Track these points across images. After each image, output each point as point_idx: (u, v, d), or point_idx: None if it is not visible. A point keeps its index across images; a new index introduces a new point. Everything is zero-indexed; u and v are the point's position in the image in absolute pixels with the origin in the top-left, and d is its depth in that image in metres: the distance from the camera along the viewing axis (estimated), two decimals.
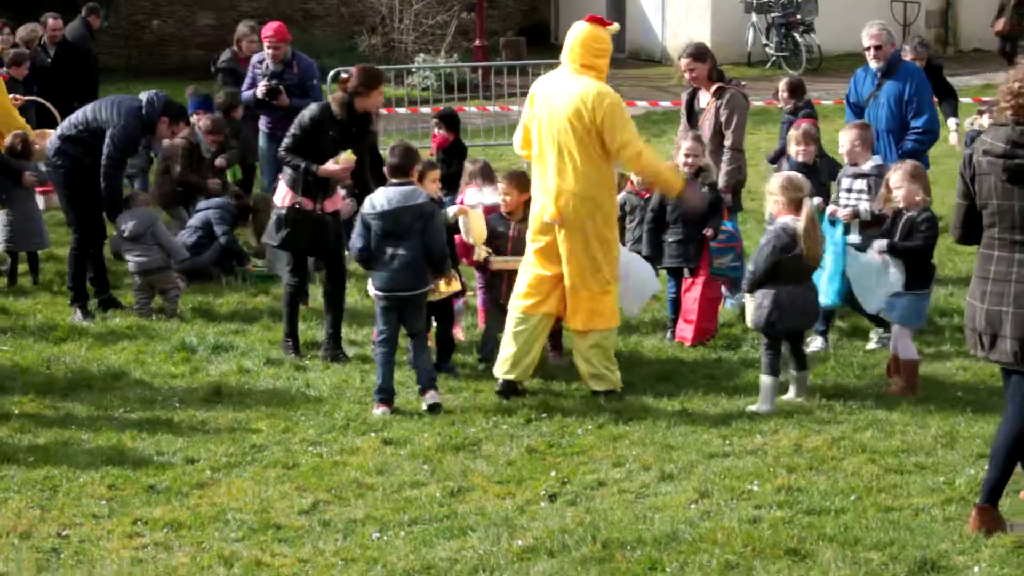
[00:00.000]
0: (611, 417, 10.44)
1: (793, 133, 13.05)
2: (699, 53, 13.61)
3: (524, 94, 24.70)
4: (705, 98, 13.72)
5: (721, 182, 13.28)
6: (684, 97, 14.07)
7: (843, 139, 12.18)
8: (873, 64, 13.65)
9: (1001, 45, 29.68)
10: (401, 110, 24.65)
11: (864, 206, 11.66)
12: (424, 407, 10.70)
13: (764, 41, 33.04)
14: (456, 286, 11.54)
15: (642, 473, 9.37)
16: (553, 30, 36.42)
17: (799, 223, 10.50)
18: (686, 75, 13.67)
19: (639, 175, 12.30)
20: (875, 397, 10.76)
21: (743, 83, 15.07)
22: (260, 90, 15.93)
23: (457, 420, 10.47)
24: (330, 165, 11.80)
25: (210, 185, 15.81)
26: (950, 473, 9.14)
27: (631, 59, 34.73)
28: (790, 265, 10.54)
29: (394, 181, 10.93)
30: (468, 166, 13.49)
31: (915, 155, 12.98)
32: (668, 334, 12.51)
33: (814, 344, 11.95)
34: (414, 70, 29.32)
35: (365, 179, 12.33)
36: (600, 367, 11.01)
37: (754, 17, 33.04)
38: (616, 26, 11.30)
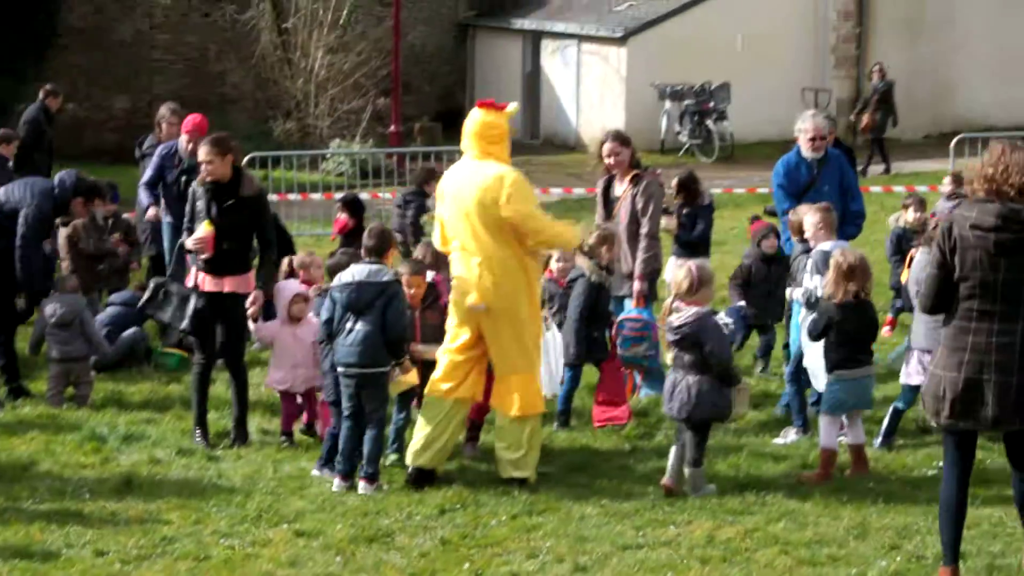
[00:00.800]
0: (525, 508, 10.40)
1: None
2: (624, 138, 13.66)
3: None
4: (621, 186, 13.77)
5: (637, 270, 13.34)
6: (600, 185, 14.08)
7: (808, 222, 12.18)
8: (814, 153, 13.38)
9: (867, 139, 30.31)
10: (315, 196, 24.60)
11: (812, 287, 11.78)
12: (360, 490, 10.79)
13: (677, 128, 33.37)
14: (413, 380, 11.30)
15: (556, 565, 9.32)
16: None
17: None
18: (609, 159, 13.51)
19: (540, 243, 11.34)
20: (788, 487, 10.78)
21: (658, 171, 15.19)
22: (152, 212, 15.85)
23: (370, 511, 10.38)
24: (190, 239, 11.89)
25: (115, 241, 16.16)
26: (862, 565, 9.15)
27: (545, 145, 34.96)
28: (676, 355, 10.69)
29: (366, 260, 11.01)
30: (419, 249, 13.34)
31: (854, 237, 13.15)
32: (556, 424, 12.46)
33: (788, 437, 12.06)
34: (329, 155, 29.36)
35: (241, 252, 12.09)
36: (531, 456, 10.96)
37: (667, 104, 33.39)
38: (513, 106, 11.26)
